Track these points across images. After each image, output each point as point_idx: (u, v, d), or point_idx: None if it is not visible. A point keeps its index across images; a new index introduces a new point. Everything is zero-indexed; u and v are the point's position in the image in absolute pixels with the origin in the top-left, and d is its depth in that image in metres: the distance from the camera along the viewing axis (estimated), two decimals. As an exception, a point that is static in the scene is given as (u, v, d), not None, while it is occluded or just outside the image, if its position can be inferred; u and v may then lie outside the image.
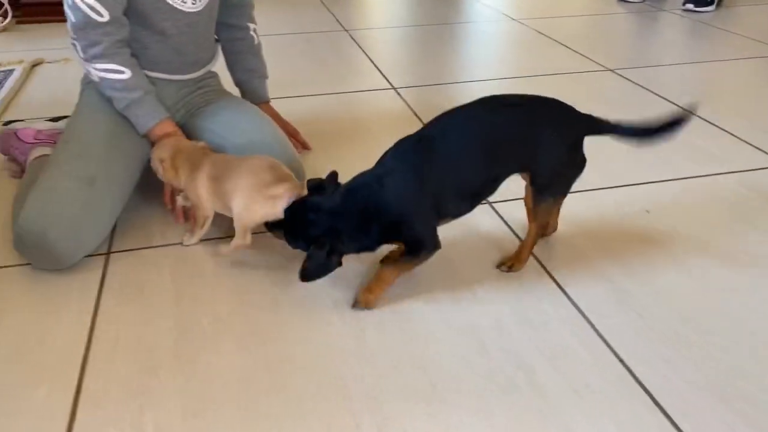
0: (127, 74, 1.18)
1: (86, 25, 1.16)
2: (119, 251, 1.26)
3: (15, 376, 0.97)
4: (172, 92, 1.39)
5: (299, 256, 1.05)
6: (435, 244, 1.09)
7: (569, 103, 1.12)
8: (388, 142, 1.09)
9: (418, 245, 1.08)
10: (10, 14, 2.87)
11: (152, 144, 1.29)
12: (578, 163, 1.13)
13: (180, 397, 0.93)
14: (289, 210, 1.09)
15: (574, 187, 1.16)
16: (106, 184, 1.21)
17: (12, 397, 0.93)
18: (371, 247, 1.08)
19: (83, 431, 0.88)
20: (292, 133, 1.58)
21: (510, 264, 1.19)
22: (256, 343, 1.04)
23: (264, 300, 1.14)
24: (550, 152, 1.08)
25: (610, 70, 2.27)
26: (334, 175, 1.09)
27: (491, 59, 2.52)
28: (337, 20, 2.99)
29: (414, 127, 1.11)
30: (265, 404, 0.92)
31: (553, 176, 1.11)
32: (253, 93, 1.54)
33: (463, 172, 1.05)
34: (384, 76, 2.24)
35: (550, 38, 2.67)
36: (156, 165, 1.26)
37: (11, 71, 2.26)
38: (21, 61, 2.38)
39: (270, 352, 1.02)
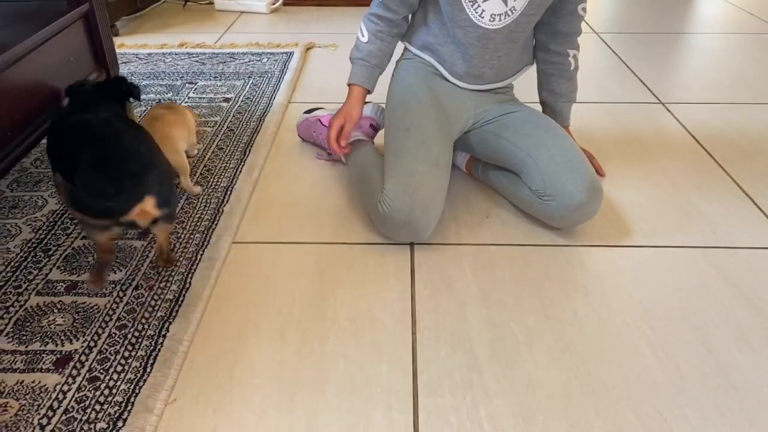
0: (365, 38, 1.45)
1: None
2: (422, 244, 1.37)
3: (359, 351, 1.10)
4: (454, 92, 1.48)
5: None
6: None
7: None
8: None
9: None
10: (282, -4, 3.16)
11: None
12: None
13: (508, 400, 1.00)
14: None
15: None
16: (444, 165, 1.37)
17: (362, 369, 1.07)
18: None
19: (429, 413, 0.99)
20: (588, 157, 1.60)
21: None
22: (570, 360, 1.08)
23: (566, 316, 1.17)
24: None
25: None
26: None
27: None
28: (587, 23, 2.92)
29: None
30: (589, 427, 0.96)
31: None
32: (554, 115, 1.56)
33: None
34: (651, 92, 2.16)
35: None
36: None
37: (291, 54, 2.51)
38: (296, 44, 2.63)
39: (584, 373, 1.05)
